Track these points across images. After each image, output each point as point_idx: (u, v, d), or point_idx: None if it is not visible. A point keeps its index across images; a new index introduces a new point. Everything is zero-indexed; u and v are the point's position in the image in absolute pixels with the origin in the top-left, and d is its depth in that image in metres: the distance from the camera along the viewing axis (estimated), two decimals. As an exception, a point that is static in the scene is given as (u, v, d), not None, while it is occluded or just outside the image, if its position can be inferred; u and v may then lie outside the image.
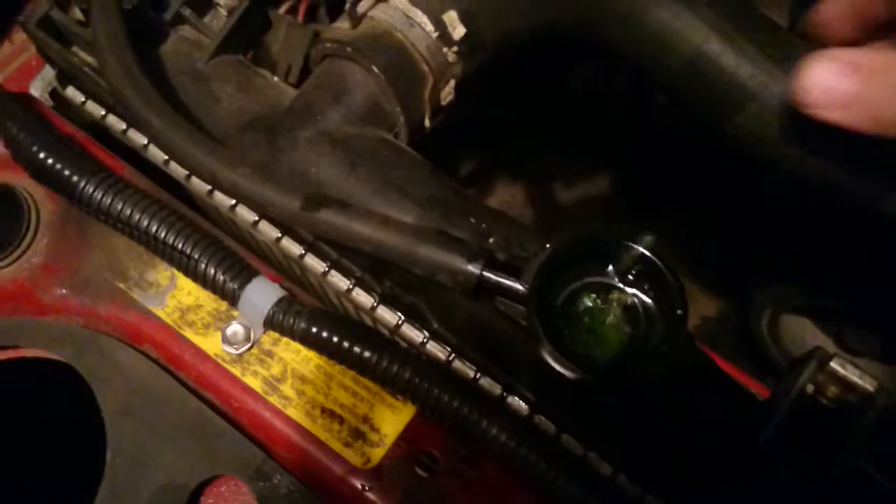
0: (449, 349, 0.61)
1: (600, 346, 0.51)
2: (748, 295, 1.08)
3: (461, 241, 0.53)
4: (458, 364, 0.61)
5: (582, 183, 1.29)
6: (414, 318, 0.62)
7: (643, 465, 0.56)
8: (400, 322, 0.62)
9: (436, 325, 0.62)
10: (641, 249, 0.49)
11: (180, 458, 0.58)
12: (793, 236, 1.00)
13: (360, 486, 0.57)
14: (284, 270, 0.70)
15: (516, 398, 0.60)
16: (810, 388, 0.56)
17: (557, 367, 0.48)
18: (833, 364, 0.54)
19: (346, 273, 0.64)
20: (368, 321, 0.66)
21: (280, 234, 0.63)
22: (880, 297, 0.94)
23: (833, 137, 0.51)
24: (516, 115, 1.22)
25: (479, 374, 0.61)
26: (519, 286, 0.50)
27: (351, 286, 0.63)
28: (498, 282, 0.51)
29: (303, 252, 0.64)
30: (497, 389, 0.60)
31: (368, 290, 0.63)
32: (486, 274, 0.51)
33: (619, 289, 0.51)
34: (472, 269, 0.51)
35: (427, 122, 0.65)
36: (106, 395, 0.59)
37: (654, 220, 1.20)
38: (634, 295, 0.51)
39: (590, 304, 0.51)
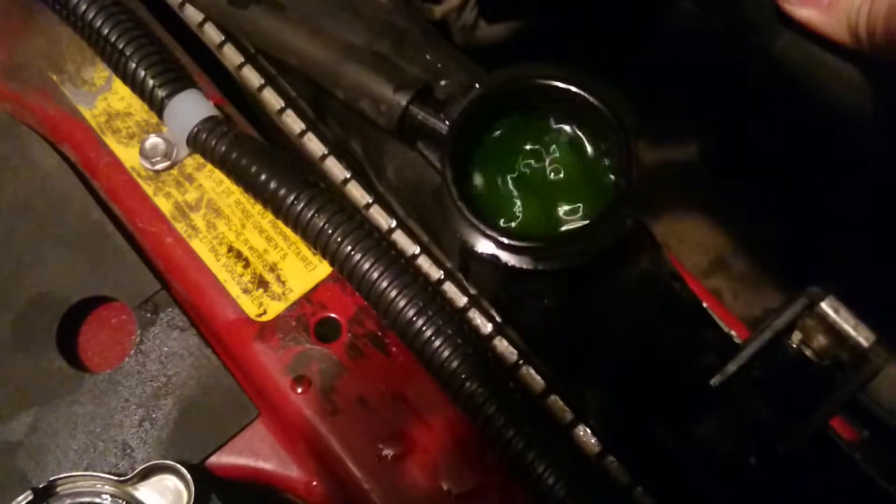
0: (393, 219, 0.53)
1: (536, 208, 0.41)
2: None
3: (395, 67, 0.44)
4: (397, 235, 0.53)
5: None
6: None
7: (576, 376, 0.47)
8: (347, 178, 0.54)
9: (381, 188, 0.54)
10: (589, 97, 0.39)
11: (68, 270, 0.52)
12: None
13: (246, 337, 0.50)
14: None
15: (452, 284, 0.51)
16: (797, 336, 0.45)
17: (469, 234, 0.39)
18: (824, 305, 0.42)
19: (301, 115, 0.56)
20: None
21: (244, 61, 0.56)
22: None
23: None
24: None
25: (419, 252, 0.52)
26: (442, 125, 0.41)
27: (304, 129, 0.56)
28: (424, 119, 0.42)
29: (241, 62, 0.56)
30: (436, 272, 0.52)
31: (321, 139, 0.56)
32: (412, 107, 0.42)
33: (565, 140, 0.41)
34: (398, 98, 0.43)
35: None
36: (7, 187, 0.54)
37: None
38: (580, 147, 0.41)
39: (527, 158, 0.42)
